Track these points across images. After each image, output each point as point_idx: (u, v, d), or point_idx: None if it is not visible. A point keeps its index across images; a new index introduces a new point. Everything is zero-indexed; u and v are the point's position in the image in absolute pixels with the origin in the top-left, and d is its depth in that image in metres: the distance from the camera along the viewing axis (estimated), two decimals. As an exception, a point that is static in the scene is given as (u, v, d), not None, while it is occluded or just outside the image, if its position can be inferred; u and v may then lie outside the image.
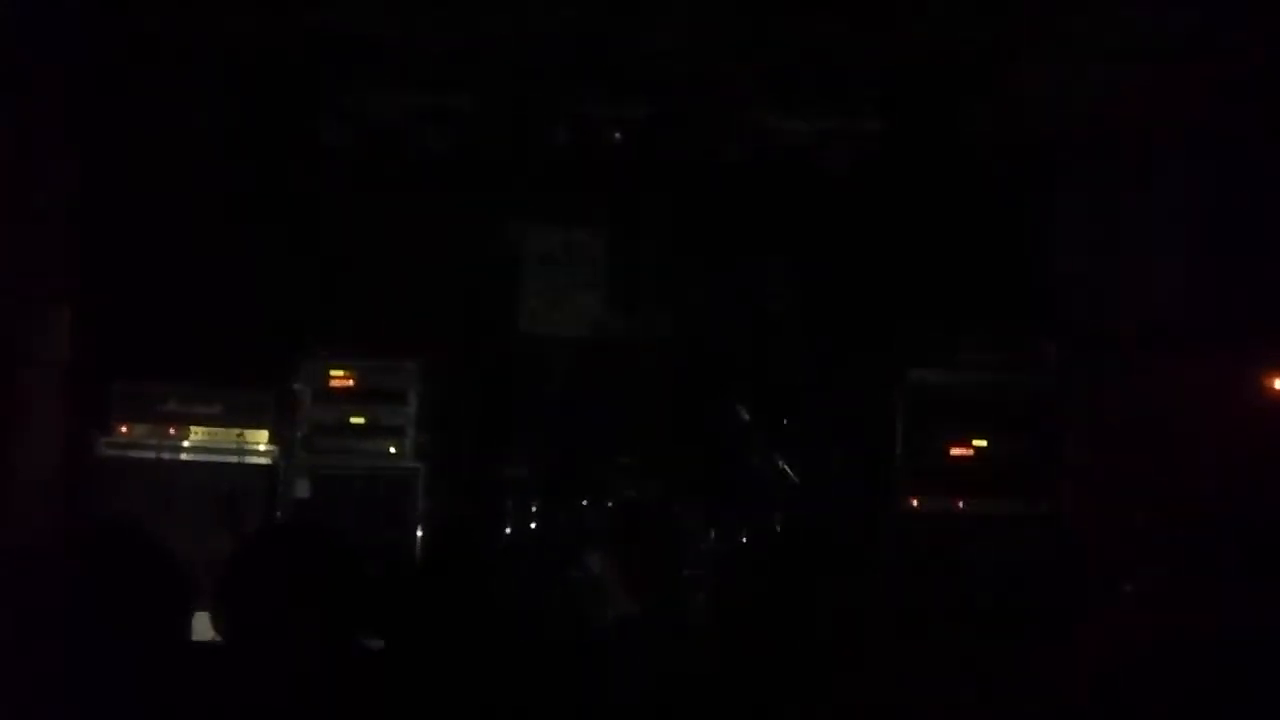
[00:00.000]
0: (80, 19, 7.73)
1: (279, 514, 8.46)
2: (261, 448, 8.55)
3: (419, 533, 8.73)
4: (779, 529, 8.89)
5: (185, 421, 8.51)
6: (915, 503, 8.87)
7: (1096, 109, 8.52)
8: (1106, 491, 8.41)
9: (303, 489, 8.65)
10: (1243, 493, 7.73)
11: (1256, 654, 3.25)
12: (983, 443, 8.95)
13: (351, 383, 8.97)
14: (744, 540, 8.74)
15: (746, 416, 9.52)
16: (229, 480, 8.39)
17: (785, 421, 9.59)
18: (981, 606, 7.48)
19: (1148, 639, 3.50)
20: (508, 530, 9.28)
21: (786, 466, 9.34)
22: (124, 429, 8.41)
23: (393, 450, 8.90)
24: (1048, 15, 8.00)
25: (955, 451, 8.98)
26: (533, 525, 9.25)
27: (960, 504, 8.85)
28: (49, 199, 7.89)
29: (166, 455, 8.42)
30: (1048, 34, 8.12)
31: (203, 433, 8.52)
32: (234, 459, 8.48)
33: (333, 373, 8.97)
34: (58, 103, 7.90)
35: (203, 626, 3.27)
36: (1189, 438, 8.23)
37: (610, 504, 8.99)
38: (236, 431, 8.53)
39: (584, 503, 9.20)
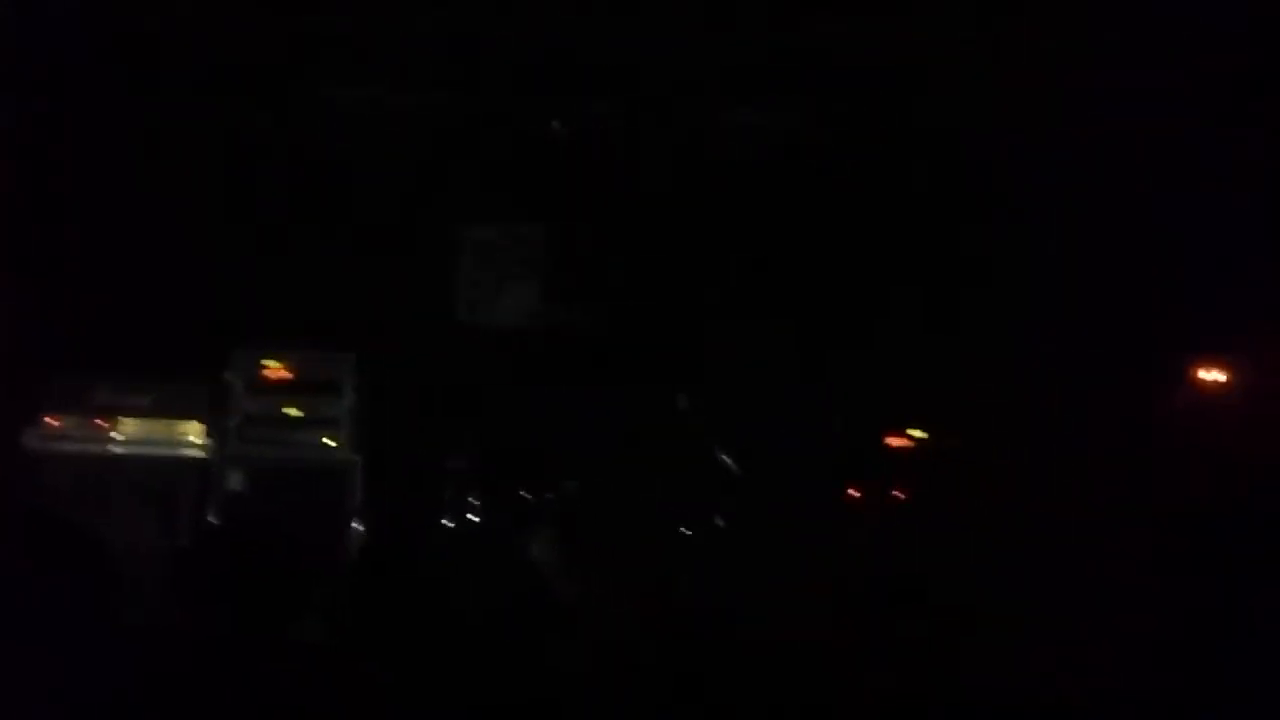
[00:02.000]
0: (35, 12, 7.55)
1: (212, 507, 8.33)
2: (194, 440, 8.41)
3: (356, 525, 8.63)
4: (720, 520, 8.90)
5: (116, 413, 8.35)
6: (853, 493, 8.91)
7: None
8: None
9: (236, 481, 8.52)
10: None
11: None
12: (923, 435, 9.01)
13: (286, 374, 8.84)
14: (687, 530, 8.74)
15: (684, 406, 9.52)
16: (161, 472, 8.25)
17: (725, 412, 9.60)
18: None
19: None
20: (447, 521, 9.20)
21: (725, 457, 9.35)
22: (54, 421, 8.24)
23: (329, 442, 8.80)
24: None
25: (894, 443, 9.03)
26: (472, 516, 9.18)
27: (899, 495, 8.90)
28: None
29: (97, 447, 8.26)
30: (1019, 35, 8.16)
31: (134, 425, 8.37)
32: (166, 451, 8.34)
33: (266, 363, 8.84)
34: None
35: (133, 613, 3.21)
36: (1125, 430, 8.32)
37: (549, 494, 8.94)
38: (168, 423, 8.39)
39: (523, 493, 9.15)
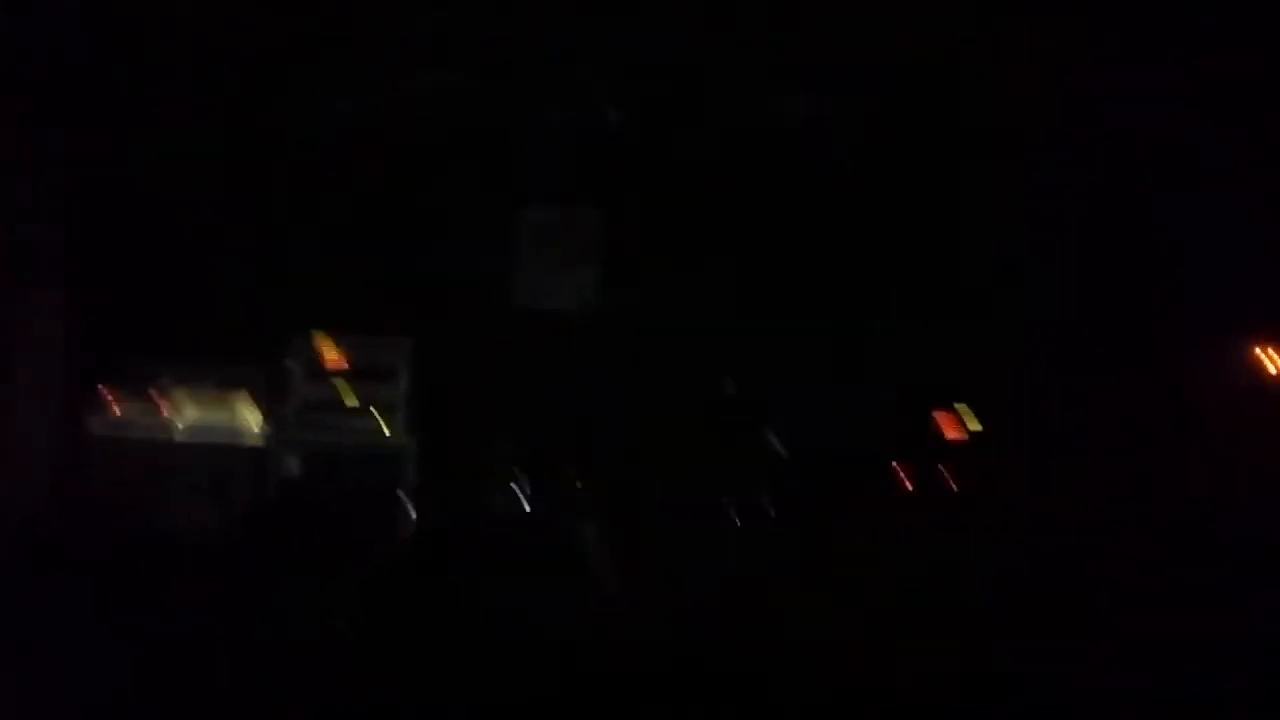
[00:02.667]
0: (67, 18, 7.70)
1: (269, 491, 8.47)
2: (252, 424, 8.55)
3: (410, 510, 8.74)
4: (771, 509, 8.91)
5: (177, 398, 8.50)
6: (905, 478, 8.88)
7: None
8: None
9: (293, 465, 8.65)
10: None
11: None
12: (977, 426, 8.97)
13: (343, 360, 8.96)
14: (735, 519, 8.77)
15: (733, 391, 9.53)
16: (219, 456, 8.40)
17: (775, 399, 9.61)
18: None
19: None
20: (499, 505, 9.28)
21: (776, 442, 9.35)
22: (116, 407, 8.41)
23: (384, 428, 8.91)
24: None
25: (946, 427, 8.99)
26: (524, 502, 9.26)
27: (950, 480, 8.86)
28: (43, 186, 7.88)
29: (157, 431, 8.43)
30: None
31: (194, 409, 8.53)
32: (225, 436, 8.49)
33: (324, 350, 8.96)
34: (51, 96, 7.88)
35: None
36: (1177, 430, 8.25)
37: (601, 480, 9.00)
38: (227, 408, 8.53)
39: (576, 479, 9.22)
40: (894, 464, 8.90)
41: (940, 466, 8.90)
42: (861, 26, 8.56)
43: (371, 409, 8.96)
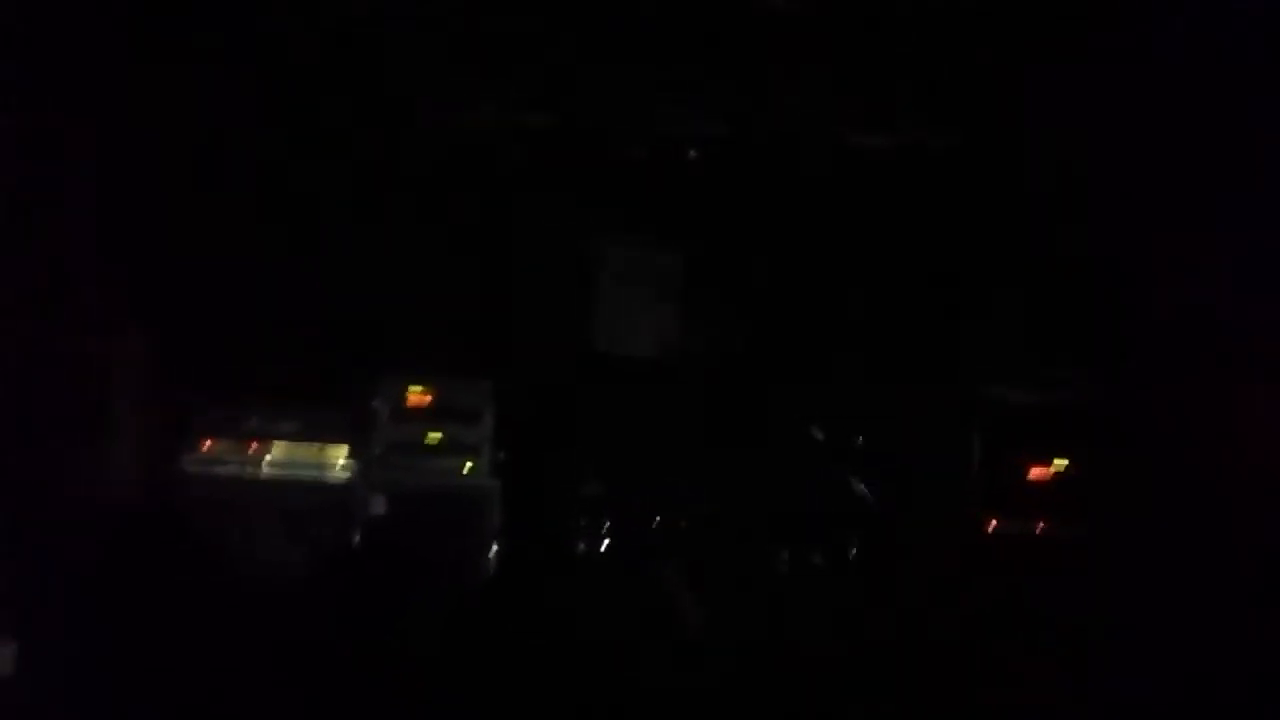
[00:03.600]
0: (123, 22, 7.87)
1: (355, 530, 8.55)
2: (339, 464, 8.65)
3: (494, 549, 8.78)
4: (854, 552, 8.82)
5: (266, 438, 8.63)
6: (994, 524, 8.75)
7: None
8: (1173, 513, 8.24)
9: (379, 505, 8.73)
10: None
11: None
12: (1065, 463, 8.81)
13: (428, 400, 9.05)
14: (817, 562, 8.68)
15: (821, 436, 9.46)
16: (307, 496, 8.50)
17: (860, 441, 9.52)
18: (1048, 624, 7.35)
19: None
20: (581, 547, 9.29)
21: (863, 487, 9.27)
22: (207, 445, 8.56)
23: (468, 468, 8.96)
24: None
25: (1037, 473, 8.85)
26: (605, 542, 9.26)
27: (1040, 526, 8.72)
28: (133, 227, 8.08)
29: (248, 470, 8.55)
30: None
31: (283, 449, 8.65)
32: (313, 475, 8.59)
33: (410, 391, 9.06)
34: (143, 140, 8.09)
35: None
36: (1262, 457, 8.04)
37: (682, 522, 8.96)
38: (315, 448, 8.64)
39: (656, 520, 9.19)
40: (988, 508, 8.75)
41: (1035, 512, 8.74)
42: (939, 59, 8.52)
43: (456, 449, 9.03)
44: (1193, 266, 8.68)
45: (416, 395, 9.07)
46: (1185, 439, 8.51)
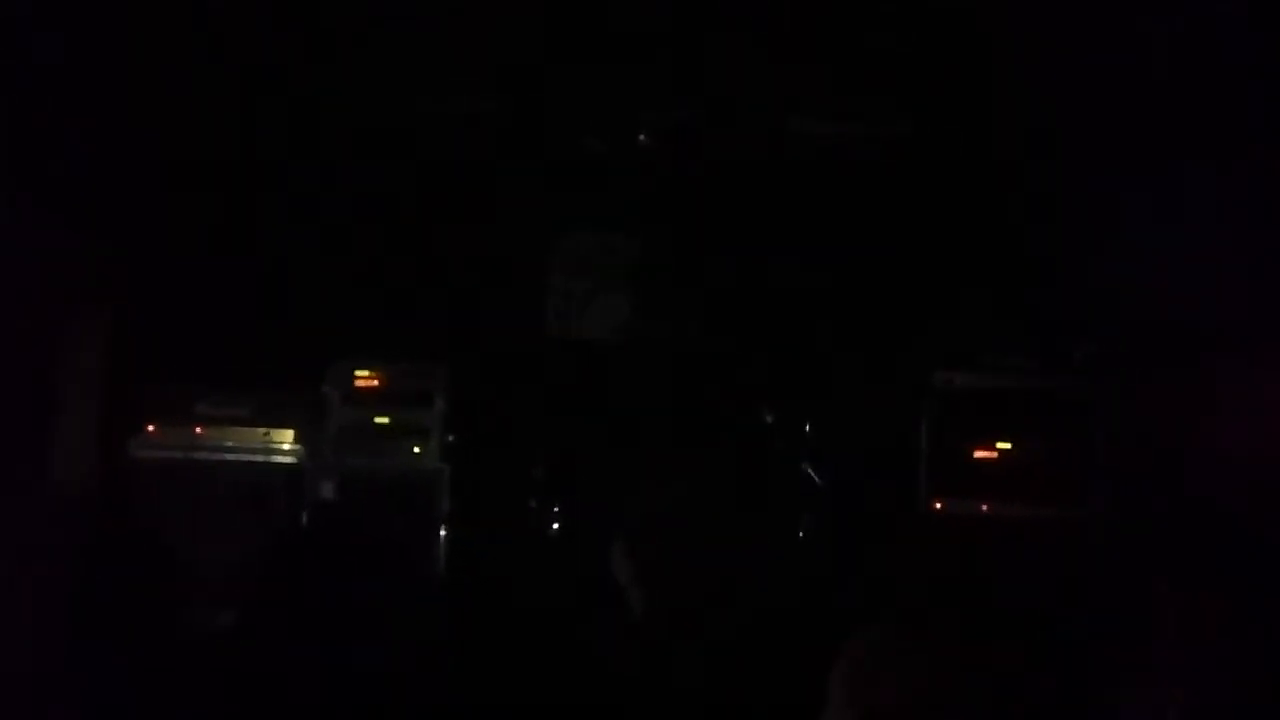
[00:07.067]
0: (99, 20, 7.81)
1: (304, 515, 8.54)
2: (288, 448, 8.64)
3: (443, 533, 8.79)
4: (802, 534, 8.90)
5: (215, 423, 8.60)
6: (939, 506, 8.85)
7: (1124, 107, 8.47)
8: (1140, 497, 8.34)
9: (328, 490, 8.73)
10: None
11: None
12: (1009, 446, 8.92)
13: (378, 385, 9.04)
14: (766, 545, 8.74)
15: (770, 419, 9.53)
16: (257, 480, 8.48)
17: (808, 425, 9.60)
18: (1006, 613, 7.45)
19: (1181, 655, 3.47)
20: (531, 530, 9.31)
21: (811, 470, 9.34)
22: (155, 431, 8.52)
23: (418, 451, 8.97)
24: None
25: (981, 455, 8.96)
26: (555, 526, 9.29)
27: (985, 508, 8.83)
28: (83, 209, 8.00)
29: (196, 455, 8.52)
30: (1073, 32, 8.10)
31: (231, 434, 8.62)
32: (262, 459, 8.57)
33: (359, 375, 9.04)
34: (90, 114, 8.01)
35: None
36: (1229, 441, 8.14)
37: (632, 505, 8.98)
38: (264, 432, 8.62)
39: (606, 504, 9.23)
40: (934, 490, 8.85)
41: (979, 493, 8.84)
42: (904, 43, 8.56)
43: (407, 433, 9.03)
44: (1148, 253, 8.77)
45: (366, 379, 9.05)
46: (1137, 423, 8.62)
